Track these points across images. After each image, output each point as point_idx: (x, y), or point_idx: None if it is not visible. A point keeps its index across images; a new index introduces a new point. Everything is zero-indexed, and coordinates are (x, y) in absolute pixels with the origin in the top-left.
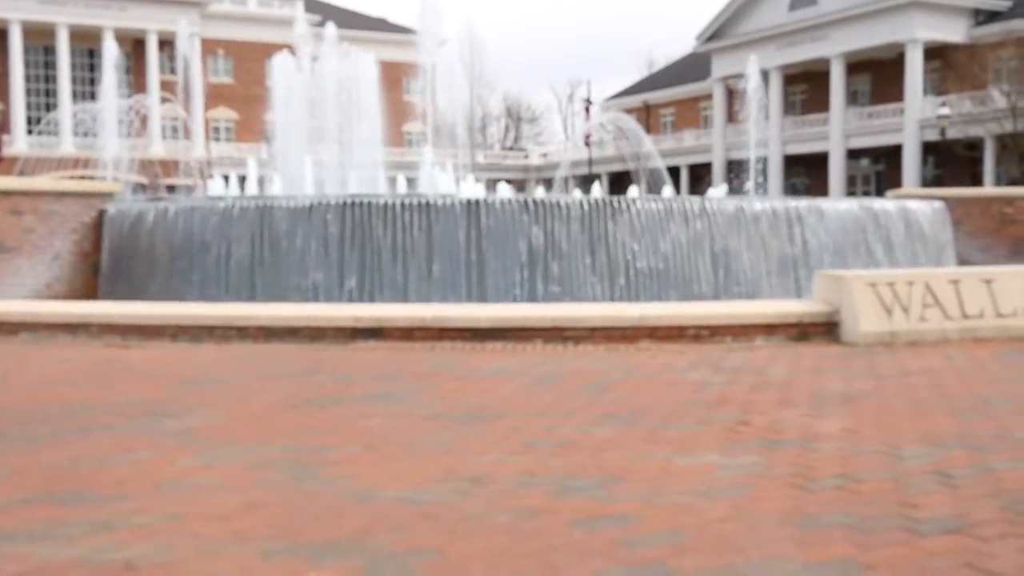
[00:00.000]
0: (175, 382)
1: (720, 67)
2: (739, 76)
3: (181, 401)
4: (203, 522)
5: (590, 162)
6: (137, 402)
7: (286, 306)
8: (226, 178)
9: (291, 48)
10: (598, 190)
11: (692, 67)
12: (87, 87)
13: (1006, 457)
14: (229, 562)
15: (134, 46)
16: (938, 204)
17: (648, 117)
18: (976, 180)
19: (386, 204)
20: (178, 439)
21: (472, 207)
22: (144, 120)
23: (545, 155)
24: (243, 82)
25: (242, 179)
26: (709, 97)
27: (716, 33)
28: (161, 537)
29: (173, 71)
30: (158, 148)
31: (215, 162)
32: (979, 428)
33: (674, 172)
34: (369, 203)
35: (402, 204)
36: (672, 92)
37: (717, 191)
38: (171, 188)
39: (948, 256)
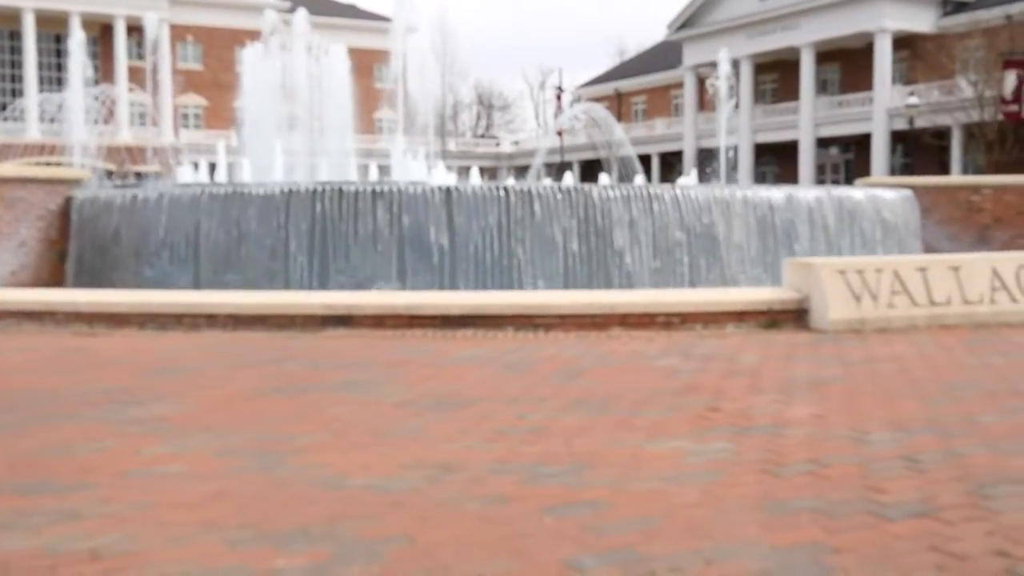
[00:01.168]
0: (142, 370)
1: (691, 55)
2: (710, 64)
3: (148, 389)
4: (170, 511)
5: (562, 150)
6: (103, 390)
7: (255, 294)
8: (195, 165)
9: (261, 35)
10: (570, 178)
11: (663, 55)
12: (54, 72)
13: (972, 442)
14: (196, 550)
15: (102, 32)
16: (906, 192)
17: (619, 105)
18: (944, 169)
19: (357, 191)
20: (145, 427)
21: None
22: (112, 107)
23: (517, 143)
24: (212, 69)
25: (211, 166)
26: (680, 85)
27: (687, 22)
28: (127, 526)
29: (141, 57)
30: (126, 135)
31: (184, 149)
32: (946, 413)
33: (645, 160)
34: (340, 190)
35: (373, 191)
36: (643, 80)
37: (688, 179)
38: (139, 175)
39: (916, 244)
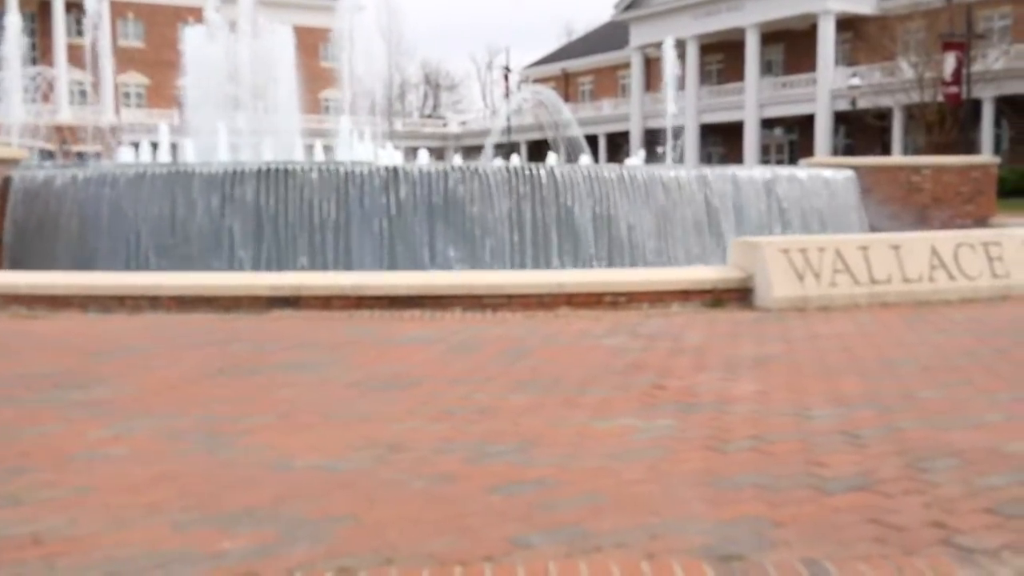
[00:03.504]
0: (84, 353)
1: (638, 36)
2: (657, 45)
3: (91, 372)
4: (113, 494)
5: (509, 131)
6: (44, 374)
7: (200, 275)
8: (136, 145)
9: (203, 12)
10: (517, 160)
11: (610, 36)
12: None
13: (911, 416)
14: (140, 534)
15: (40, 8)
16: (849, 172)
17: (567, 86)
18: (885, 149)
19: (301, 171)
20: (87, 410)
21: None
22: (51, 85)
23: (464, 123)
24: (154, 46)
25: (154, 146)
26: (627, 66)
27: (634, 2)
28: (70, 510)
29: (81, 34)
30: (66, 114)
31: (125, 128)
32: (886, 389)
33: (592, 141)
34: (285, 170)
35: (319, 171)
36: (590, 60)
37: (635, 159)
38: (80, 155)
39: (858, 223)
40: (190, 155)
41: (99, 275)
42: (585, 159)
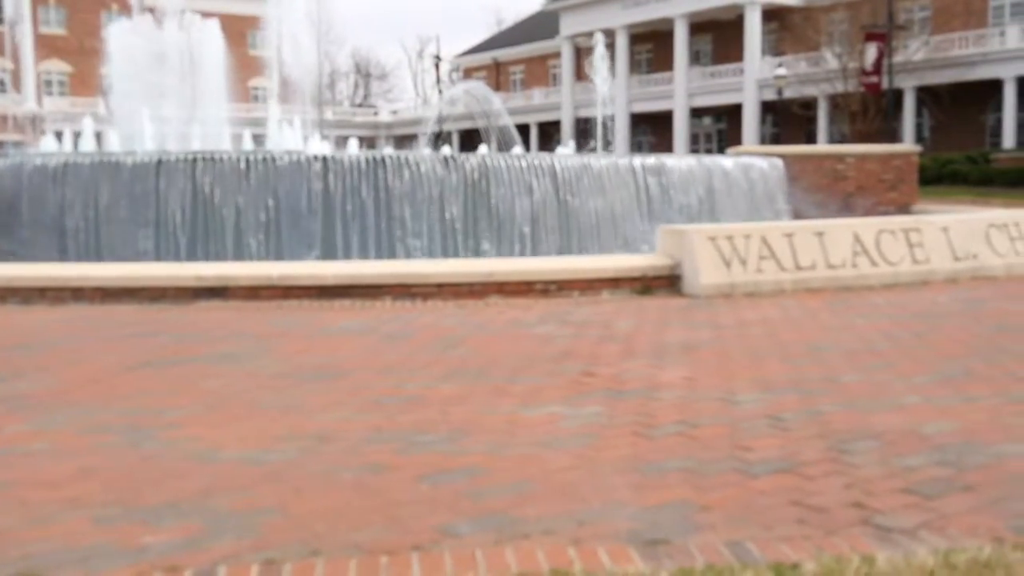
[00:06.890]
0: (3, 346)
1: (568, 26)
2: (587, 35)
3: (9, 365)
4: (32, 489)
5: (441, 120)
6: None
7: (124, 265)
8: (59, 134)
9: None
10: (447, 149)
11: (541, 25)
12: None
13: (833, 400)
14: (60, 529)
15: None
16: (776, 161)
17: (498, 75)
18: (811, 138)
19: (231, 159)
20: (6, 405)
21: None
22: None
23: (395, 112)
24: (77, 34)
25: (76, 135)
26: (558, 55)
27: None
28: None
29: (0, 21)
30: None
31: (48, 117)
32: (809, 373)
33: (523, 130)
34: (214, 159)
35: (247, 160)
36: (521, 50)
37: (565, 149)
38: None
39: (784, 210)
40: (115, 144)
41: (18, 266)
42: (517, 149)
